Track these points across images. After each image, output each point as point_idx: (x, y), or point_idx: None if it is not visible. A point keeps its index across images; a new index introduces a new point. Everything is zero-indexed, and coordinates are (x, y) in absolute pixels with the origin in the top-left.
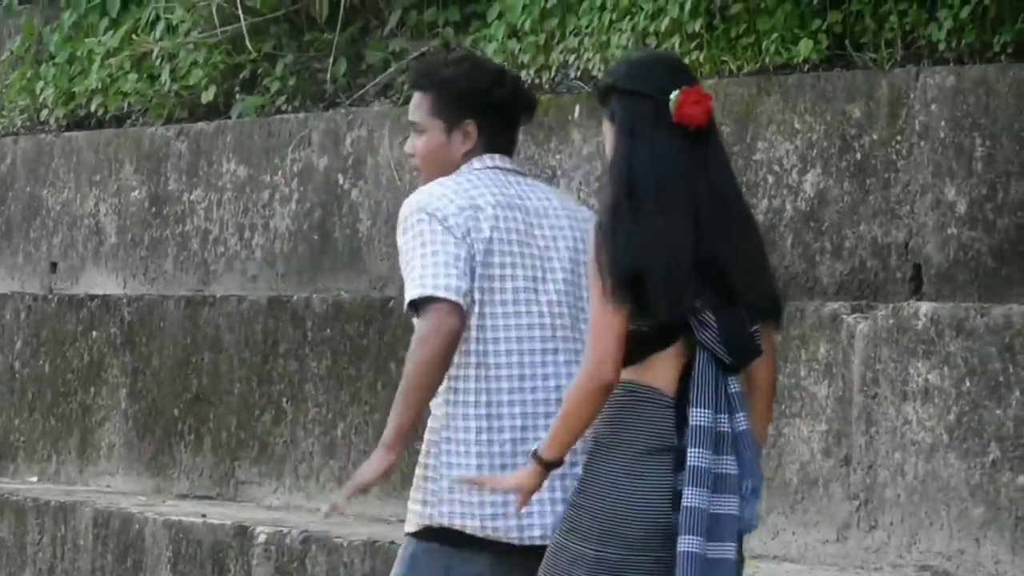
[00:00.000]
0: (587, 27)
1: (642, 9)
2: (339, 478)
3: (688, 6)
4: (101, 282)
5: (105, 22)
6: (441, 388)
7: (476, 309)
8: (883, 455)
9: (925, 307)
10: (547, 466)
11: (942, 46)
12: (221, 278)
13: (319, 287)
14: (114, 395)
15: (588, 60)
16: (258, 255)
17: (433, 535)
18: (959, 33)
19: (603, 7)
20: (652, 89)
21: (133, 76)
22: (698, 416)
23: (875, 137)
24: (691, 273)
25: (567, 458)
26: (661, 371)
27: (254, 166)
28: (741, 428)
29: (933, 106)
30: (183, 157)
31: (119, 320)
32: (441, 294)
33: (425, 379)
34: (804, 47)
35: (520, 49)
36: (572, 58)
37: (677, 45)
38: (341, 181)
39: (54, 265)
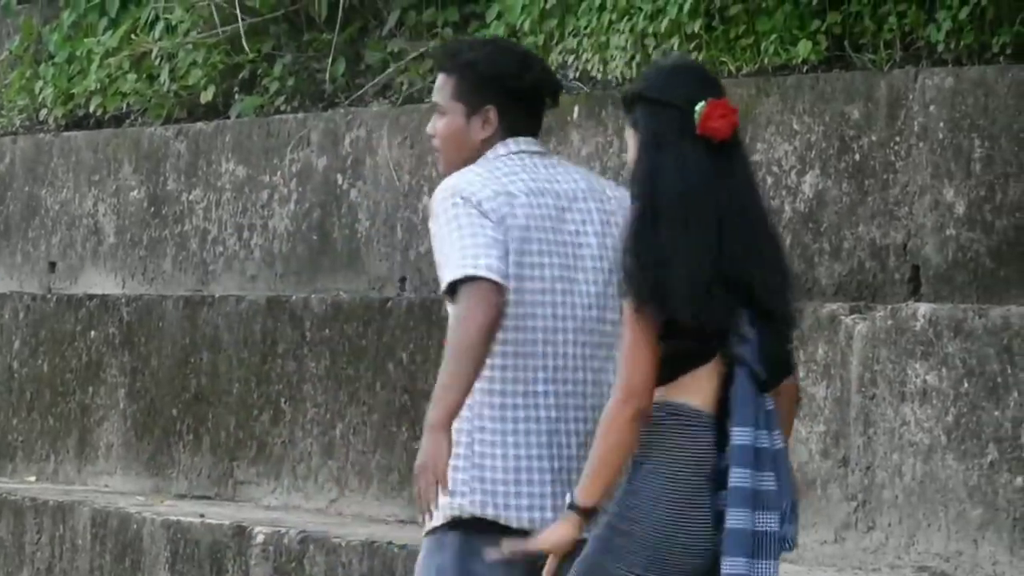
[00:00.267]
0: (586, 28)
1: (641, 10)
2: (337, 478)
3: (687, 7)
4: (100, 282)
5: (104, 22)
6: (477, 385)
7: (512, 297)
8: (881, 456)
9: (923, 308)
10: (588, 515)
11: (941, 47)
12: (220, 278)
13: (318, 287)
14: (112, 395)
15: (587, 61)
16: (257, 255)
17: (460, 526)
18: (958, 34)
19: (602, 8)
20: (678, 99)
21: (132, 76)
22: (740, 436)
23: (874, 138)
24: (717, 284)
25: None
26: (698, 389)
27: (253, 166)
28: (779, 446)
29: (932, 107)
30: (182, 157)
31: (118, 320)
32: (483, 273)
33: (472, 354)
34: (803, 48)
35: None
36: (571, 59)
37: (676, 46)
38: (340, 181)
39: (53, 265)
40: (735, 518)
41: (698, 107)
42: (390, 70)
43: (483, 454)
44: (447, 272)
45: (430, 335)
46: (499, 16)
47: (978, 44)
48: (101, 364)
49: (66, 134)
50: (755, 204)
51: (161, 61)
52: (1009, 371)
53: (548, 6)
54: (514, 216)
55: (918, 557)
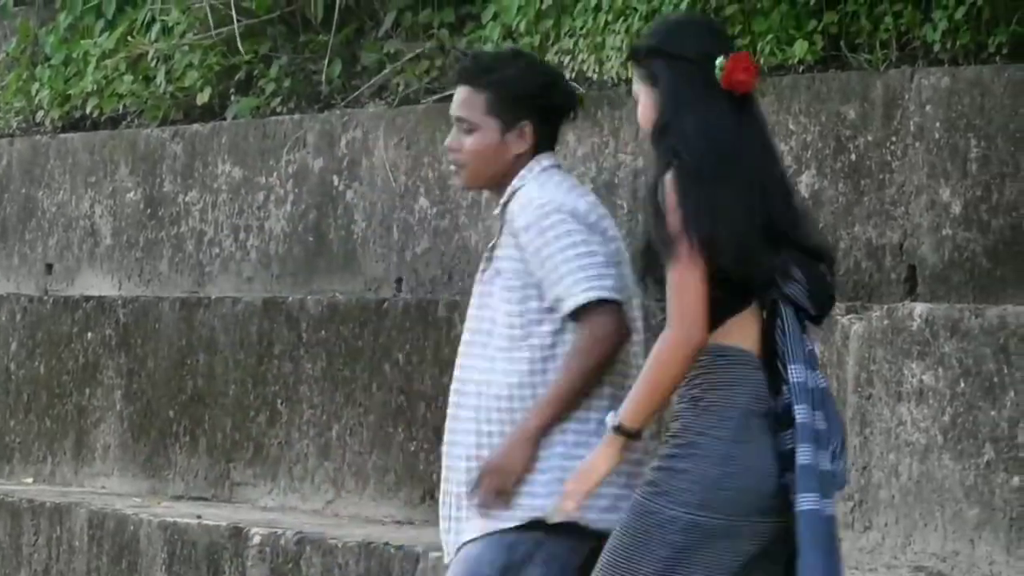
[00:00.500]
0: (582, 28)
1: (636, 10)
2: (333, 479)
3: (683, 7)
4: (96, 283)
5: (101, 24)
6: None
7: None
8: (877, 456)
9: (920, 308)
10: (632, 437)
11: (937, 47)
12: (216, 280)
13: (314, 288)
14: (109, 396)
15: (583, 61)
16: (253, 256)
17: (537, 527)
18: (954, 34)
19: (598, 8)
20: (698, 54)
21: (128, 78)
22: (796, 373)
23: (870, 138)
24: (761, 233)
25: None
26: (743, 332)
27: (249, 168)
28: (823, 385)
29: (928, 107)
30: (178, 159)
31: (114, 321)
32: (609, 295)
33: (596, 376)
34: (799, 48)
35: None
36: (567, 59)
37: None
38: (336, 183)
39: (49, 267)
40: (804, 455)
41: (718, 61)
42: (386, 71)
43: (566, 455)
44: (572, 291)
45: (426, 336)
46: (495, 17)
47: (974, 44)
48: (98, 366)
49: (62, 136)
50: (777, 154)
51: (157, 63)
52: (1005, 371)
53: (544, 7)
54: (607, 229)
55: (915, 557)
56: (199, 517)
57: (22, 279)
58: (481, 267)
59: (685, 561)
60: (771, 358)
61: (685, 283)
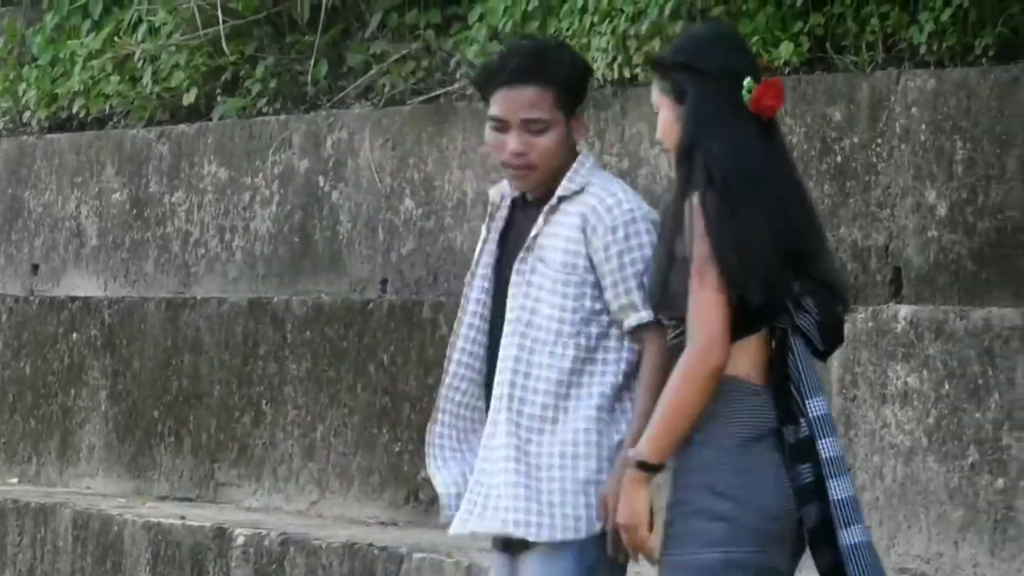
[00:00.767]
0: (568, 30)
1: (622, 12)
2: (318, 480)
3: (668, 9)
4: (82, 284)
5: (87, 24)
6: (614, 397)
7: None
8: (862, 458)
9: (904, 310)
10: (656, 470)
11: (923, 49)
12: (202, 280)
13: (299, 289)
14: (94, 397)
15: None
16: (239, 257)
17: (601, 539)
18: (940, 36)
19: (584, 10)
20: (726, 71)
21: (115, 78)
22: (816, 407)
23: (855, 140)
24: (784, 260)
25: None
26: (747, 359)
27: (235, 168)
28: (829, 411)
29: (914, 109)
30: (164, 159)
31: (100, 322)
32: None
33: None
34: (785, 50)
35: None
36: None
37: (657, 48)
38: (322, 183)
39: (35, 267)
40: (839, 488)
41: (747, 83)
42: (372, 72)
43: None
44: (639, 308)
45: (411, 337)
46: (481, 18)
47: (960, 46)
48: (83, 366)
49: (49, 136)
50: (800, 179)
51: (144, 63)
52: (990, 373)
53: (530, 8)
54: None
55: (899, 559)
56: (183, 518)
57: (8, 279)
58: (490, 248)
59: None
60: (780, 386)
61: (711, 308)
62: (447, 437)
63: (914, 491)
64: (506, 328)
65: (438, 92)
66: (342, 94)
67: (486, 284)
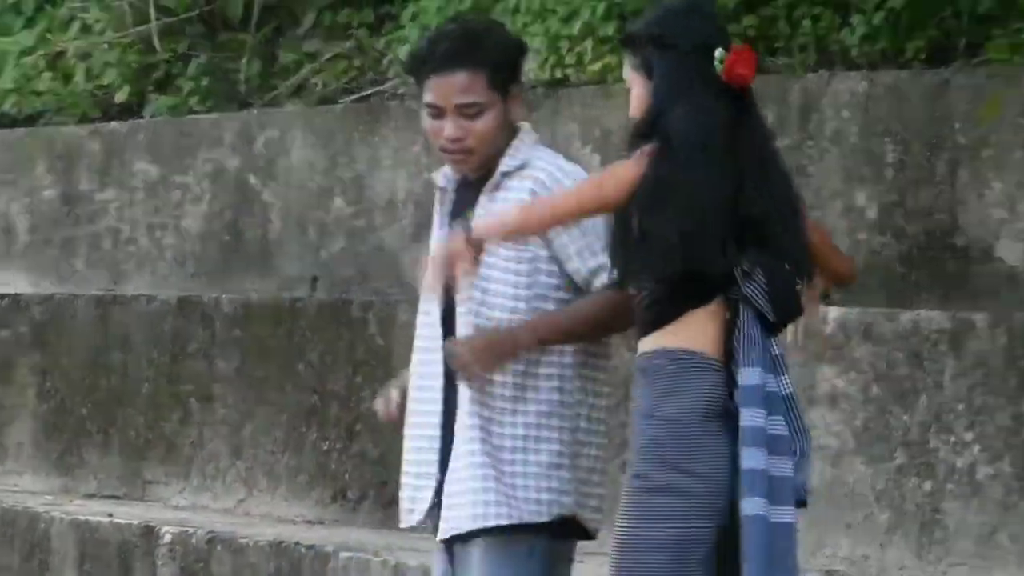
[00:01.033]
0: None
1: (555, 12)
2: (245, 479)
3: (600, 10)
4: (12, 281)
5: (20, 21)
6: (575, 379)
7: None
8: None
9: (833, 312)
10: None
11: (855, 51)
12: (132, 278)
13: (229, 287)
14: (23, 394)
15: None
16: (169, 255)
17: (547, 528)
18: (872, 39)
19: (516, 10)
20: (697, 44)
21: (48, 75)
22: (747, 376)
23: (787, 142)
24: (732, 229)
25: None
26: (700, 333)
27: (166, 166)
28: (788, 390)
29: (845, 111)
30: (96, 156)
31: (29, 319)
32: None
33: (596, 332)
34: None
35: None
36: None
37: (590, 48)
38: (253, 182)
39: None
40: (749, 458)
41: (718, 53)
42: (304, 71)
43: (576, 454)
44: (607, 267)
45: (340, 336)
46: (414, 18)
47: (892, 49)
48: (12, 363)
49: None
50: (772, 148)
51: (76, 61)
52: (918, 376)
53: (463, 8)
54: None
55: (825, 561)
56: (111, 515)
57: None
58: (442, 235)
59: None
60: (729, 360)
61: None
62: (414, 426)
63: (841, 493)
64: (458, 312)
65: (370, 91)
66: (274, 92)
67: None
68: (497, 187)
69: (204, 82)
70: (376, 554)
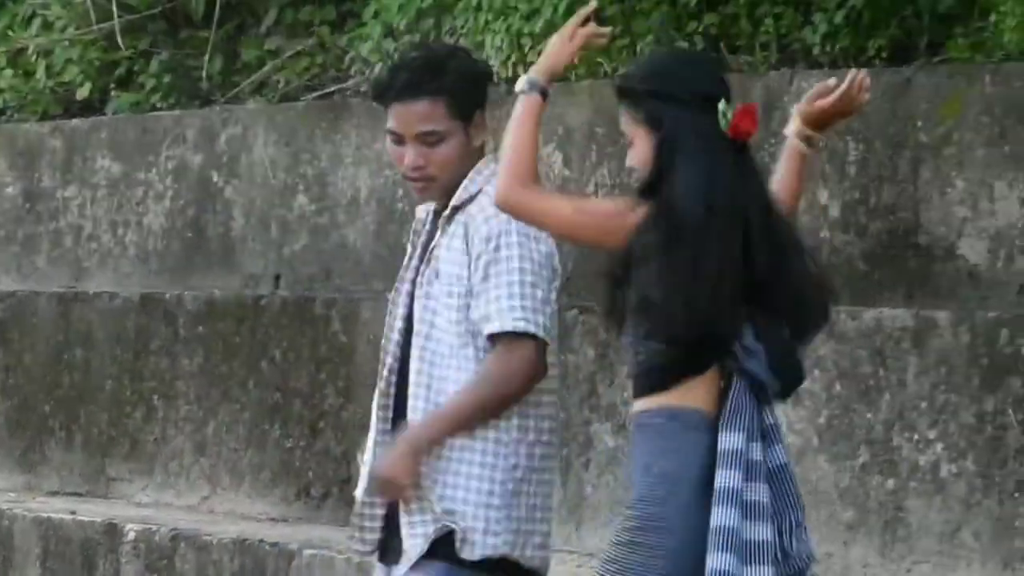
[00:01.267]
0: (462, 27)
1: (517, 10)
2: (209, 476)
3: (563, 8)
4: None
5: None
6: (517, 421)
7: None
8: None
9: None
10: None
11: (817, 50)
12: (94, 275)
13: (192, 284)
14: None
15: None
16: (131, 252)
17: (483, 567)
18: (834, 37)
19: (478, 8)
20: (701, 98)
21: (8, 72)
22: (728, 440)
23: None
24: (739, 294)
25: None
26: (701, 394)
27: (128, 163)
28: (780, 462)
29: None
30: (57, 153)
31: None
32: (539, 333)
33: (500, 410)
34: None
35: (395, 49)
36: None
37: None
38: (215, 179)
39: None
40: (720, 516)
41: (721, 106)
42: (266, 68)
43: (516, 492)
44: (502, 316)
45: (303, 333)
46: (376, 15)
47: (854, 47)
48: None
49: None
50: (772, 200)
51: (37, 57)
52: (881, 374)
53: (424, 6)
54: (556, 266)
55: None
56: (74, 513)
57: None
58: (413, 264)
59: None
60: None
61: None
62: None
63: (805, 491)
64: (413, 343)
65: (332, 89)
66: (236, 90)
67: (407, 299)
68: (449, 220)
69: (166, 79)
70: (340, 551)
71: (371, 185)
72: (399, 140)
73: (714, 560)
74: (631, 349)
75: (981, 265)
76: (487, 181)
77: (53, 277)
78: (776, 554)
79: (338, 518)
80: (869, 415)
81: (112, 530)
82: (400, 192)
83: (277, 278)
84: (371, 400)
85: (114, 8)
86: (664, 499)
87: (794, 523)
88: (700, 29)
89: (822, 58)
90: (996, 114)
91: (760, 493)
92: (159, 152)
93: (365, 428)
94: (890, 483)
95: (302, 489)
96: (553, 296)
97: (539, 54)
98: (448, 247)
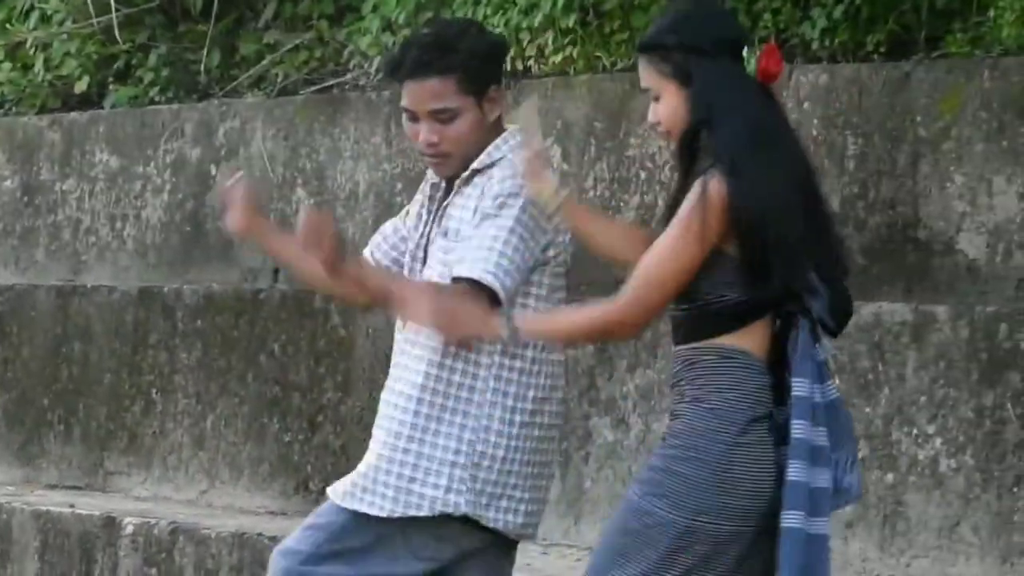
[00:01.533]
0: None
1: (515, 4)
2: (207, 470)
3: (561, 2)
4: None
5: None
6: (493, 384)
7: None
8: None
9: None
10: (515, 336)
11: (815, 45)
12: (92, 268)
13: (190, 278)
14: None
15: None
16: (130, 246)
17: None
18: (832, 32)
19: (477, 1)
20: (726, 46)
21: (7, 66)
22: (799, 387)
23: None
24: (801, 240)
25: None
26: (751, 336)
27: (127, 157)
28: (832, 397)
29: (806, 104)
30: (56, 147)
31: None
32: (500, 291)
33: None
34: None
35: (394, 43)
36: None
37: (551, 40)
38: (213, 172)
39: None
40: (796, 471)
41: (746, 52)
42: (265, 62)
43: (483, 454)
44: (473, 265)
45: (302, 327)
46: (375, 9)
47: (853, 42)
48: None
49: None
50: (803, 144)
51: (36, 51)
52: (880, 368)
53: (423, 0)
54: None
55: None
56: (72, 506)
57: None
58: (422, 228)
59: (672, 565)
60: (779, 365)
61: (677, 253)
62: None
63: None
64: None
65: (331, 82)
66: (234, 83)
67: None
68: (467, 182)
69: (164, 73)
70: None
71: (369, 179)
72: (413, 117)
73: (788, 517)
74: (691, 297)
75: (980, 259)
76: (512, 150)
77: (51, 270)
78: (831, 498)
79: None
80: (868, 409)
81: (111, 523)
82: (399, 186)
83: (276, 272)
84: (370, 394)
85: (112, 2)
86: (711, 433)
87: (849, 459)
88: None
89: (821, 53)
90: (995, 109)
91: (822, 437)
92: (157, 146)
93: (364, 422)
94: (889, 477)
95: (301, 483)
96: (532, 265)
97: (538, 48)
98: (462, 207)
